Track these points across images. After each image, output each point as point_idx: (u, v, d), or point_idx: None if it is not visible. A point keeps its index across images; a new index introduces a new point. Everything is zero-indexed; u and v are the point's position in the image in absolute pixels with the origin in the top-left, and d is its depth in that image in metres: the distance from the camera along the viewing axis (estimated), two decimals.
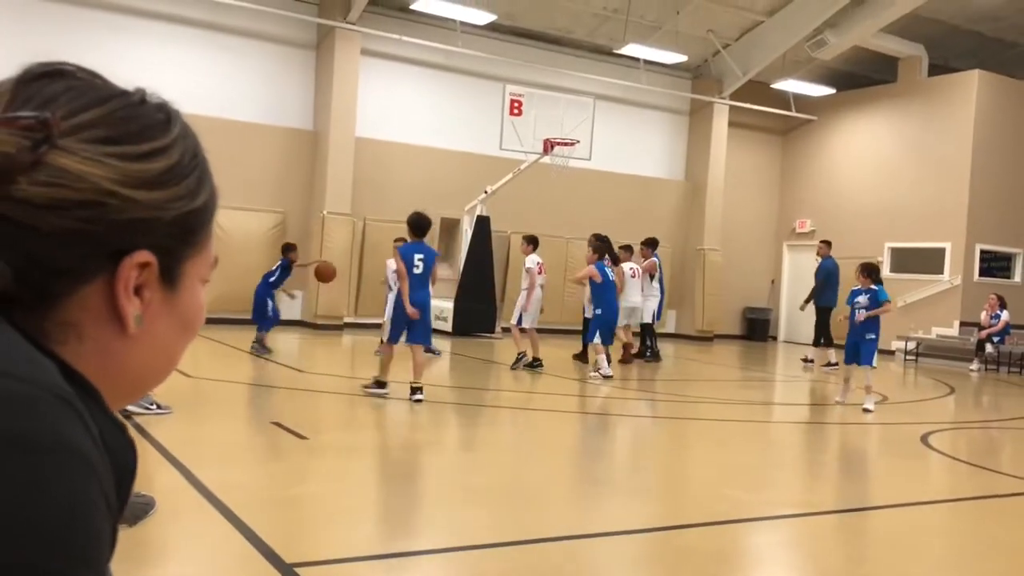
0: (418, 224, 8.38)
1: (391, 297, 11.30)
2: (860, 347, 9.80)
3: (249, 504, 4.53)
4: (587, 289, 12.85)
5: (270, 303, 11.60)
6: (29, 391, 0.56)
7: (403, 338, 8.31)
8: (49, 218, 0.62)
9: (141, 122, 0.69)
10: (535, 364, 11.76)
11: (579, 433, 8.27)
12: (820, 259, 15.54)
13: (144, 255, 0.67)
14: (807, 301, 15.48)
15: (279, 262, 11.81)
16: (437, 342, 15.02)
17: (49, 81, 0.68)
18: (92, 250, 0.64)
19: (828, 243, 15.87)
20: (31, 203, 0.62)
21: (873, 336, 9.87)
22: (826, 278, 15.28)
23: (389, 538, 4.35)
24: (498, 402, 9.71)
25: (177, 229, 0.70)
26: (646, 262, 13.99)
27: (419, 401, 8.24)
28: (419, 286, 8.26)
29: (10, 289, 0.61)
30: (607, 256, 11.72)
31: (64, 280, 0.64)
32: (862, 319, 9.80)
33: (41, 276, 0.63)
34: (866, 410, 9.59)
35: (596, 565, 4.13)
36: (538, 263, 12.26)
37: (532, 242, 12.53)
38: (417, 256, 8.30)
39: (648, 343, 14.21)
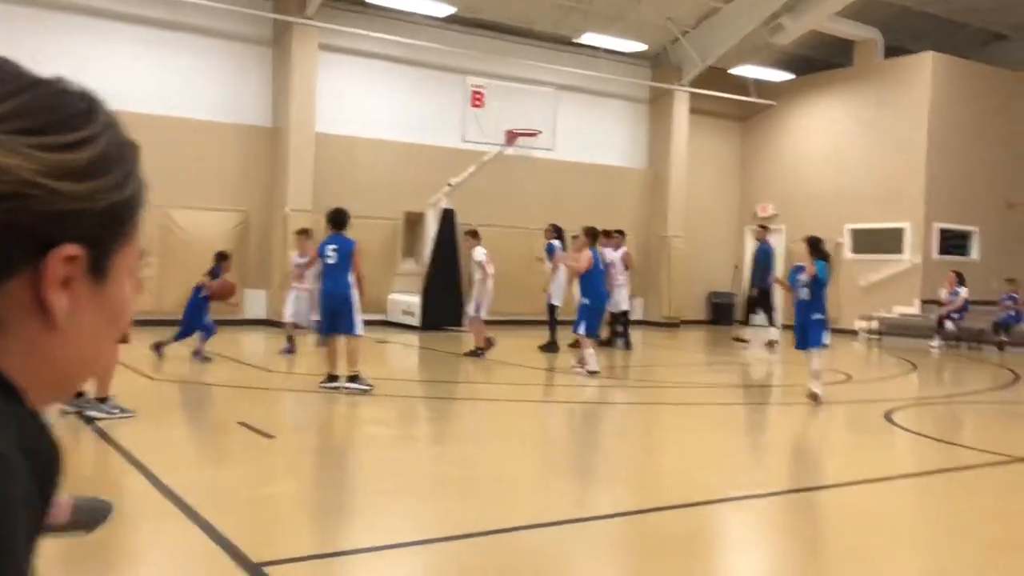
0: (332, 218, 8.73)
1: (291, 296, 11.73)
2: (808, 329, 8.99)
3: (216, 505, 4.48)
4: (559, 275, 12.98)
5: (204, 316, 10.96)
6: None
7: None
8: None
9: (64, 111, 0.67)
10: (479, 353, 12.01)
11: (549, 423, 8.29)
12: (759, 243, 16.49)
13: (72, 248, 0.65)
14: (752, 286, 16.21)
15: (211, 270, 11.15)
16: (406, 336, 14.99)
17: None
18: (17, 243, 0.63)
19: (766, 228, 16.89)
20: None
21: (820, 316, 8.94)
22: (764, 261, 16.06)
23: (359, 533, 4.33)
24: (467, 394, 9.70)
25: (105, 220, 0.68)
26: (625, 251, 14.17)
27: (361, 391, 8.32)
28: (332, 276, 8.49)
29: None
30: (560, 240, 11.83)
31: None
32: (803, 297, 9.03)
33: None
34: (813, 395, 8.76)
35: (568, 552, 4.14)
36: (485, 254, 12.35)
37: (475, 235, 12.72)
38: (330, 247, 8.55)
39: (621, 331, 14.28)
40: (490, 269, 12.28)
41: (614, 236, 14.10)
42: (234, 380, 9.90)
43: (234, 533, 3.96)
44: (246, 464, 5.74)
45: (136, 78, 14.78)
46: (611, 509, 4.93)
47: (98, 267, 0.68)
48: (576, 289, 11.26)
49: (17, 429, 0.59)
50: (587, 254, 10.82)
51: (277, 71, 16.20)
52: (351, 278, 8.49)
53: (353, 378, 8.46)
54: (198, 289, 11.13)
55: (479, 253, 12.35)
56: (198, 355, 10.84)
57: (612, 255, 13.61)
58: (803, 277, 9.01)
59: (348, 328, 8.45)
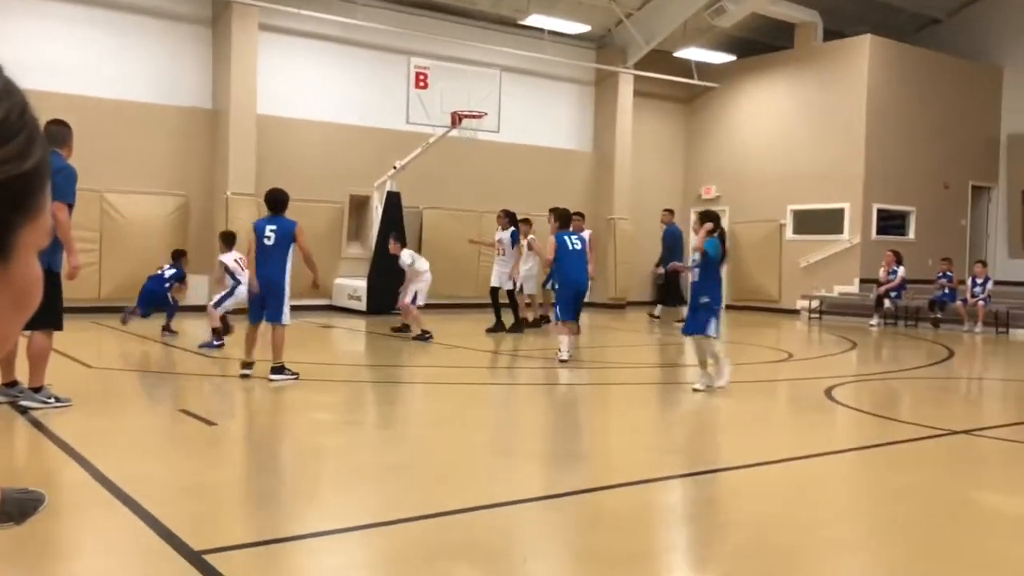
0: (269, 198, 8.39)
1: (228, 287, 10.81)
2: (694, 313, 8.21)
3: (155, 494, 4.39)
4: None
5: (169, 296, 11.76)
6: None
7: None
8: None
9: None
10: (403, 329, 12.67)
11: (495, 405, 8.29)
12: (664, 226, 17.20)
13: None
14: (657, 266, 17.19)
15: (172, 269, 11.87)
16: (353, 321, 14.86)
17: None
18: None
19: (671, 211, 17.64)
20: None
21: (706, 299, 8.04)
22: (672, 243, 16.86)
23: (302, 519, 4.28)
24: (411, 378, 9.66)
25: (7, 194, 0.64)
26: (589, 234, 13.98)
27: (285, 381, 8.02)
28: (269, 259, 8.08)
29: None
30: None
31: None
32: (693, 279, 8.31)
33: None
34: (696, 390, 8.11)
35: (516, 532, 4.15)
36: (411, 255, 12.58)
37: (400, 239, 13.03)
38: (268, 227, 8.18)
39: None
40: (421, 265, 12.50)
41: (575, 219, 13.94)
42: (174, 367, 9.71)
43: (174, 522, 3.89)
44: (187, 452, 5.63)
45: (72, 59, 14.36)
46: (557, 489, 4.95)
47: (2, 245, 0.65)
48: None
49: None
50: (551, 240, 10.46)
51: (217, 51, 15.85)
52: (287, 264, 8.14)
53: (278, 369, 8.08)
54: (164, 281, 11.60)
55: (405, 255, 12.50)
56: (167, 331, 11.43)
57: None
58: (694, 256, 8.34)
59: (275, 316, 8.08)
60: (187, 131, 15.62)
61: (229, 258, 10.80)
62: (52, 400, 6.43)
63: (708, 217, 8.19)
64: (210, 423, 6.30)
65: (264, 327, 8.23)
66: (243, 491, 4.83)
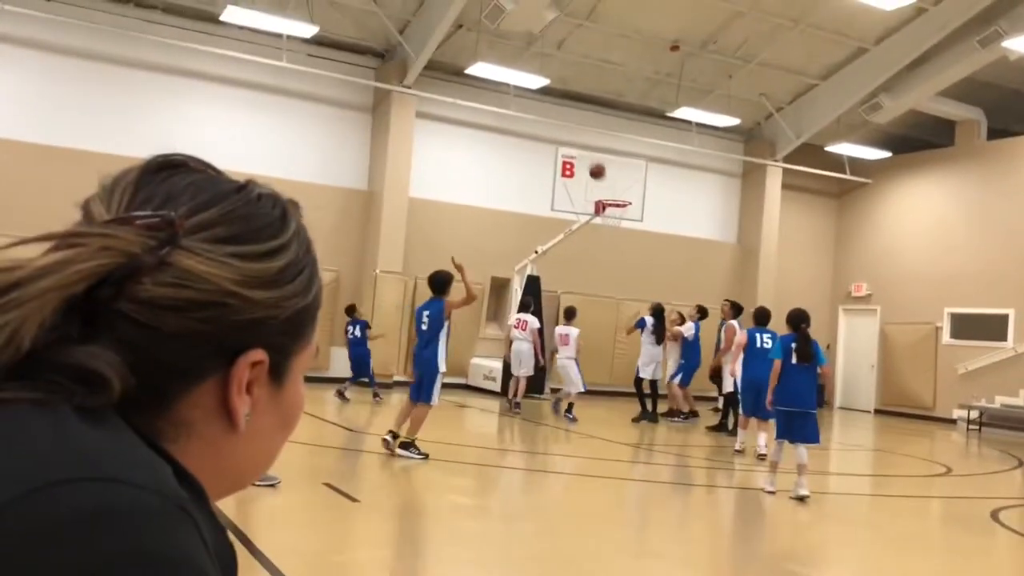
0: (430, 280, 8.74)
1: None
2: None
3: (302, 569, 4.47)
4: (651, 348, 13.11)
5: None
6: (158, 504, 0.55)
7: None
8: (170, 319, 0.61)
9: (261, 220, 0.68)
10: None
11: (630, 501, 8.08)
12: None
13: (258, 354, 0.66)
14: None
15: (357, 322, 13.40)
16: (487, 402, 14.95)
17: (169, 175, 0.67)
18: (210, 350, 0.64)
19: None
20: (154, 304, 0.61)
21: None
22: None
23: None
24: (549, 467, 9.56)
25: (289, 327, 0.69)
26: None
27: (403, 456, 8.20)
28: (423, 342, 8.49)
29: (131, 391, 0.60)
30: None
31: (181, 380, 0.63)
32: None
33: (159, 376, 0.62)
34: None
35: None
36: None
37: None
38: (424, 314, 8.58)
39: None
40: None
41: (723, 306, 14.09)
42: (320, 439, 9.99)
43: None
44: (330, 526, 5.74)
45: (242, 140, 15.42)
46: None
47: (278, 371, 0.69)
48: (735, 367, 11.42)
49: (209, 533, 0.59)
50: (741, 335, 11.06)
51: (375, 136, 16.69)
52: (440, 346, 8.39)
53: (407, 445, 8.31)
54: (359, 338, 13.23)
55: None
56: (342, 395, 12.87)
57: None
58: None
59: (425, 397, 8.33)
60: (343, 210, 16.41)
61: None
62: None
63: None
64: (353, 499, 6.40)
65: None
66: (380, 572, 4.86)
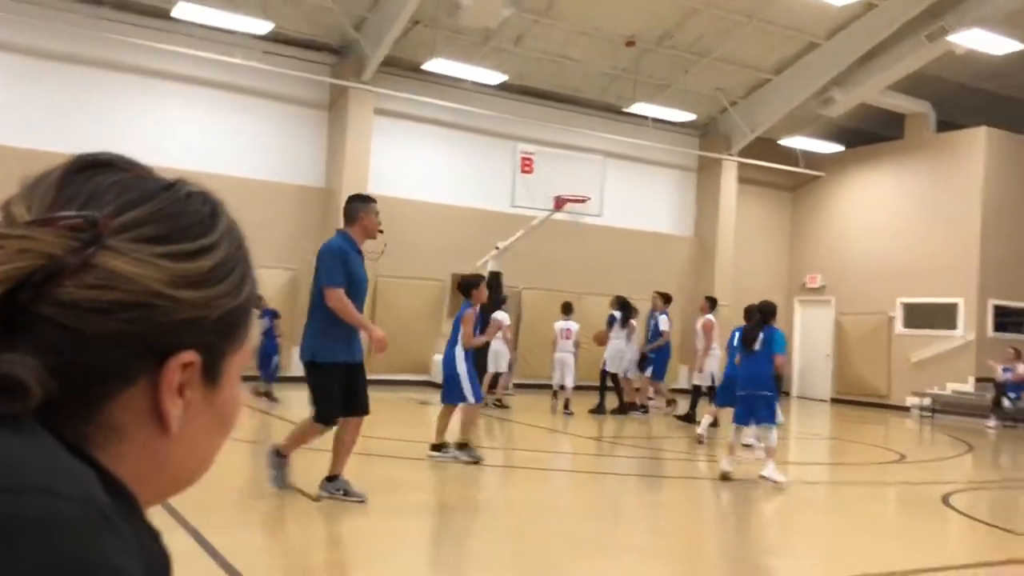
0: (459, 284, 8.77)
1: None
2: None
3: (261, 570, 4.45)
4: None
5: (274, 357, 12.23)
6: (79, 512, 0.54)
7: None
8: (95, 321, 0.60)
9: (189, 219, 0.67)
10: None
11: (598, 494, 8.15)
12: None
13: (189, 355, 0.65)
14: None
15: (266, 316, 12.13)
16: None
17: (94, 174, 0.66)
18: (137, 352, 0.63)
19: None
20: (78, 306, 0.60)
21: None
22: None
23: None
24: (515, 463, 9.60)
25: (221, 326, 0.68)
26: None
27: (469, 461, 8.16)
28: (448, 344, 8.39)
29: (53, 395, 0.59)
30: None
31: (108, 383, 0.62)
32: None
33: (84, 380, 0.61)
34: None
35: None
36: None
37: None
38: (457, 315, 8.58)
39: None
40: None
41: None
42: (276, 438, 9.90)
43: None
44: (292, 527, 5.70)
45: (199, 138, 15.25)
46: None
47: (212, 372, 0.68)
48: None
49: (134, 539, 0.58)
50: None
51: (332, 133, 16.58)
52: (458, 348, 8.26)
53: (463, 446, 8.21)
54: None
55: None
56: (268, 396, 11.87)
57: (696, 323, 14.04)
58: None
59: (458, 397, 8.21)
60: (301, 208, 16.28)
61: None
62: (340, 493, 6.18)
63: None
64: (314, 499, 6.38)
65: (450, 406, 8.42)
66: (348, 573, 4.84)
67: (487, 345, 12.30)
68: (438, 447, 8.23)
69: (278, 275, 15.95)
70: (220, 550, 4.70)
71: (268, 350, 11.93)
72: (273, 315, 12.15)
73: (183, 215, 0.66)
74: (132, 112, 14.67)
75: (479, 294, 8.42)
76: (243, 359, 0.72)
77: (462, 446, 8.22)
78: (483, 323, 9.36)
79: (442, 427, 8.32)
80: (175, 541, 3.98)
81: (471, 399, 8.13)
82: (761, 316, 8.38)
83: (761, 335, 8.23)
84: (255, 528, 5.70)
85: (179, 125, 15.10)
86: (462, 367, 8.17)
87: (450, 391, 8.23)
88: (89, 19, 14.28)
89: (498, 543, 5.67)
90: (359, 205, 6.50)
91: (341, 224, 15.91)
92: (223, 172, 15.33)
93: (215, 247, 0.67)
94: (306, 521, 5.93)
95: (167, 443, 0.66)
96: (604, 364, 14.01)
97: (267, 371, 12.05)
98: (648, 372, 14.00)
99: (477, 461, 8.15)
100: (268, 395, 11.99)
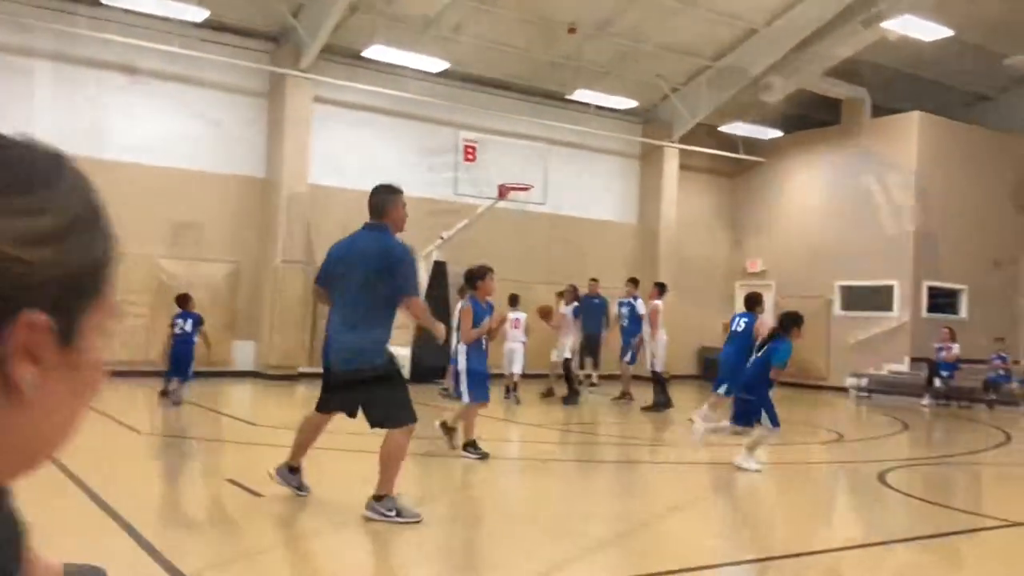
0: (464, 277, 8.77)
1: None
2: None
3: (205, 568, 4.37)
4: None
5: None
6: None
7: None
8: None
9: (27, 171, 0.63)
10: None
11: (561, 483, 8.18)
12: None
13: (35, 316, 0.61)
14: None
15: (190, 317, 11.33)
16: None
17: None
18: None
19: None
20: None
21: None
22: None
23: None
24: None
25: (72, 285, 0.64)
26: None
27: (477, 457, 8.08)
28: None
29: None
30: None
31: None
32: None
33: None
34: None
35: None
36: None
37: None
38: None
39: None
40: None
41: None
42: (223, 434, 9.77)
43: None
44: (231, 523, 5.63)
45: (137, 128, 14.87)
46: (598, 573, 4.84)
47: (66, 333, 0.64)
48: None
49: None
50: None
51: (272, 122, 16.30)
52: (461, 344, 8.17)
53: (465, 446, 8.16)
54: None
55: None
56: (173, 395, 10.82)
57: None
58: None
59: (462, 394, 8.21)
60: (240, 199, 15.99)
61: None
62: (393, 513, 5.55)
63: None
64: (257, 494, 6.29)
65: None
66: (289, 566, 4.78)
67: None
68: (467, 445, 8.10)
69: (219, 268, 15.68)
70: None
71: (180, 352, 11.06)
72: (197, 320, 11.33)
73: (20, 167, 0.63)
74: (69, 103, 14.20)
75: (485, 286, 8.18)
76: (102, 319, 0.68)
77: (468, 445, 8.16)
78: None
79: (466, 425, 8.14)
80: (115, 543, 3.82)
81: (466, 399, 8.05)
82: (778, 325, 8.61)
83: (770, 344, 8.45)
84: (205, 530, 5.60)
85: (117, 115, 14.70)
86: (463, 364, 8.10)
87: (458, 387, 8.29)
88: (19, 6, 13.78)
89: (440, 537, 5.65)
90: (388, 197, 6.05)
91: (283, 216, 15.59)
92: (160, 164, 15.00)
93: (57, 203, 0.64)
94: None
95: (21, 411, 0.63)
96: (565, 353, 14.30)
97: (180, 372, 11.09)
98: (627, 357, 14.32)
99: (483, 457, 8.02)
100: (165, 393, 11.12)
